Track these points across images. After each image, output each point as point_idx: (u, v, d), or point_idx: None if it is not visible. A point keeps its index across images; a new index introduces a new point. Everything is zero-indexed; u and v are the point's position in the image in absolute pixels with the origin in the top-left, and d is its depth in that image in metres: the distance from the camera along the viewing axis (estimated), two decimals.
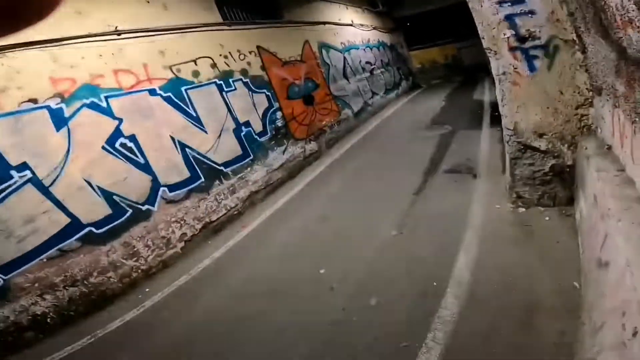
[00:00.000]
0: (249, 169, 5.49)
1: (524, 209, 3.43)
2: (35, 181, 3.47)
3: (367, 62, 11.24)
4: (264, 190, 5.64)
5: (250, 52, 6.24)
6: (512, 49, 2.94)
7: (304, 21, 8.24)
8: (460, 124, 7.16)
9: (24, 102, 3.54)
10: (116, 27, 4.40)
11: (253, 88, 5.97)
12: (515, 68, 2.98)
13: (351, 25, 11.03)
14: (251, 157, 5.57)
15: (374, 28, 13.02)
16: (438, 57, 18.87)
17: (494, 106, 6.67)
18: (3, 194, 3.30)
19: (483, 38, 3.05)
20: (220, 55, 5.59)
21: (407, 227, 3.83)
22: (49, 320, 3.49)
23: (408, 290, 2.84)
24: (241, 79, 5.79)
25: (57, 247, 3.57)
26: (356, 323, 2.66)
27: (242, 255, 4.23)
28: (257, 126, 5.86)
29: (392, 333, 2.47)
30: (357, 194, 5.14)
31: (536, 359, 1.99)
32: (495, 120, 6.10)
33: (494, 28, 2.95)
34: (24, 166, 3.42)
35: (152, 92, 4.49)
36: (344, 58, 9.75)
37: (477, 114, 7.61)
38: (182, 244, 4.49)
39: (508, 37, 2.92)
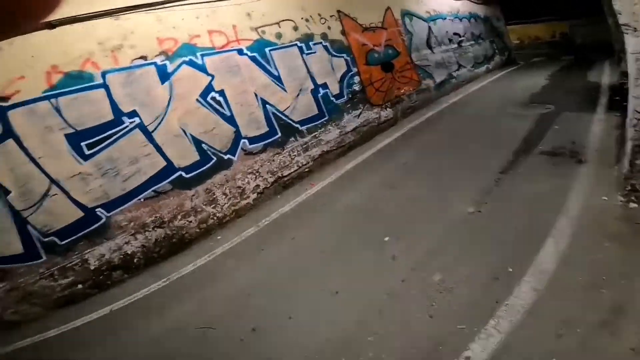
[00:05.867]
0: (323, 129, 5.27)
1: (637, 205, 2.63)
2: (142, 127, 3.77)
3: (454, 34, 9.78)
4: (335, 151, 5.37)
5: (330, 17, 5.85)
6: None
7: None
8: (566, 105, 5.70)
9: (136, 59, 3.84)
10: None
11: (332, 52, 5.63)
12: None
13: None
14: (326, 117, 5.32)
15: None
16: (542, 34, 16.03)
17: (614, 90, 5.61)
18: (116, 136, 3.65)
19: (619, 14, 2.67)
20: (302, 18, 5.36)
21: (487, 206, 3.21)
22: (135, 260, 3.70)
23: (477, 271, 2.40)
24: (321, 43, 5.49)
25: (153, 188, 3.81)
26: (413, 297, 2.33)
27: (308, 212, 4.05)
28: (334, 89, 5.54)
29: (450, 313, 2.12)
30: (432, 166, 4.44)
31: None
32: (615, 105, 4.91)
33: (635, 4, 2.53)
34: (133, 113, 3.73)
35: (240, 51, 4.52)
36: (429, 27, 8.61)
37: (591, 97, 5.96)
38: (255, 195, 4.51)
39: None
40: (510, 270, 2.33)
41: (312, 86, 5.19)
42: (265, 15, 4.92)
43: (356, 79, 6.02)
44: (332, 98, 5.47)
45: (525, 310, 2.02)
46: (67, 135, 3.39)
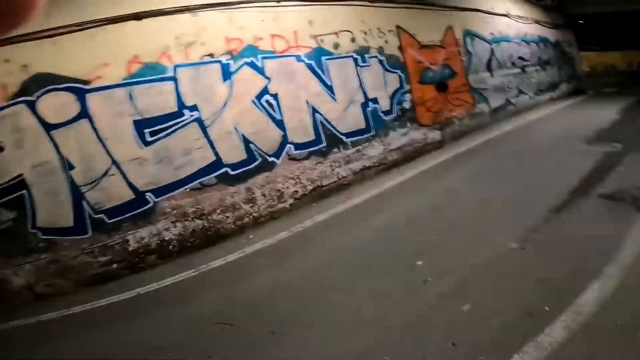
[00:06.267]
0: (367, 143, 5.29)
1: None
2: (199, 121, 4.04)
3: (519, 57, 9.40)
4: (377, 167, 5.37)
5: (389, 31, 5.90)
6: None
7: (450, 5, 7.42)
8: (637, 145, 5.20)
9: (205, 55, 4.15)
10: None
11: (387, 67, 5.68)
12: None
13: (505, 15, 9.44)
14: (372, 132, 5.35)
15: (536, 22, 10.90)
16: (618, 63, 15.04)
17: None
18: (175, 127, 3.95)
19: None
20: (360, 30, 5.47)
21: (532, 243, 3.09)
22: (171, 247, 3.91)
23: (511, 306, 2.36)
24: (376, 56, 5.55)
25: (200, 181, 4.05)
26: (439, 323, 2.32)
27: (342, 224, 4.06)
28: (384, 104, 5.55)
29: (474, 343, 2.12)
30: (477, 195, 4.28)
31: None
32: None
33: None
34: (194, 107, 4.02)
35: (298, 58, 4.72)
36: (491, 49, 8.38)
37: None
38: (292, 200, 4.62)
39: None
40: (547, 309, 2.28)
41: (362, 99, 5.25)
42: (326, 24, 5.08)
43: (408, 96, 6.05)
44: (380, 113, 5.48)
45: (553, 348, 1.98)
46: (134, 122, 3.75)
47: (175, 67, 3.98)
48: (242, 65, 4.34)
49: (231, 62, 4.29)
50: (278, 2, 4.74)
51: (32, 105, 3.44)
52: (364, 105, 5.29)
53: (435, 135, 6.39)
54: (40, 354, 2.69)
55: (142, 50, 3.88)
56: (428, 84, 6.38)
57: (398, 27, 6.11)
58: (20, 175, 3.50)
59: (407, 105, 5.97)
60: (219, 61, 4.22)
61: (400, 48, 6.04)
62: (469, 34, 7.80)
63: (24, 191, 3.51)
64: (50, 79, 3.50)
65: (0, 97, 3.36)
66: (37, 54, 3.51)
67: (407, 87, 6.00)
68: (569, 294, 2.39)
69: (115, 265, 3.81)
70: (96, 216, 3.70)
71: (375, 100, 5.43)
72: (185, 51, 4.08)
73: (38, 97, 3.45)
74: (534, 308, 2.31)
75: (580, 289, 2.41)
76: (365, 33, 5.53)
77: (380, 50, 5.67)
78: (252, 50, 4.45)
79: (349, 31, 5.33)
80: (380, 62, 5.60)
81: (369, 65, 5.41)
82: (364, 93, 5.31)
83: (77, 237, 3.68)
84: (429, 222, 3.81)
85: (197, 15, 4.23)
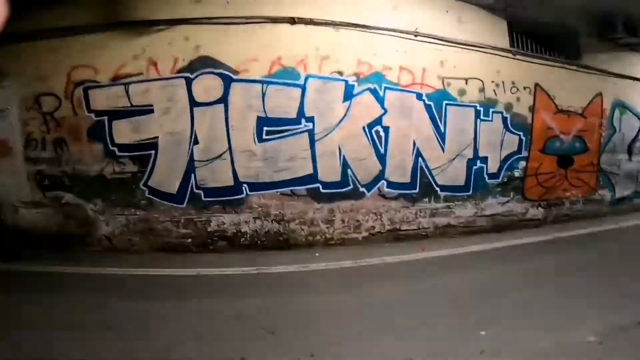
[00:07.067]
0: (460, 202, 5.10)
1: None
2: (311, 133, 4.34)
3: None
4: (461, 228, 5.12)
5: (524, 88, 5.48)
6: None
7: (603, 70, 6.67)
8: None
9: (334, 72, 4.41)
10: (416, 29, 4.80)
11: (509, 126, 5.31)
12: None
13: None
14: (469, 192, 5.12)
15: None
16: None
17: None
18: (289, 133, 4.31)
19: None
20: (492, 81, 5.18)
21: (613, 341, 2.65)
22: (243, 240, 4.29)
23: None
24: (501, 113, 5.23)
25: (292, 188, 4.37)
26: None
27: (409, 273, 4.00)
28: (493, 167, 5.25)
29: None
30: (566, 283, 3.73)
31: None
32: None
33: None
34: (311, 119, 4.33)
35: (419, 96, 4.71)
36: None
37: None
38: (366, 234, 4.70)
39: None
40: None
41: (471, 155, 5.05)
42: (456, 68, 4.95)
43: (522, 164, 5.59)
44: (485, 175, 5.23)
45: None
46: (258, 117, 4.22)
47: (307, 76, 4.32)
48: (364, 90, 4.51)
49: (356, 84, 4.49)
50: (415, 35, 4.89)
51: (189, 82, 4.13)
52: (471, 162, 5.10)
53: (537, 212, 5.93)
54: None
55: (286, 54, 4.29)
56: (550, 155, 5.87)
57: (537, 85, 5.71)
58: (156, 137, 4.29)
59: (517, 173, 5.65)
60: (346, 81, 4.45)
61: (532, 109, 5.60)
62: (620, 106, 6.93)
63: (152, 151, 4.31)
64: (211, 63, 4.11)
65: (170, 68, 4.14)
66: (209, 38, 4.13)
67: (524, 153, 5.65)
68: None
69: (189, 240, 4.33)
70: (196, 191, 4.26)
71: (484, 160, 5.24)
72: (319, 63, 4.38)
73: (196, 76, 4.13)
74: None
75: None
76: (497, 85, 5.32)
77: (508, 107, 5.43)
78: (378, 77, 4.58)
79: (479, 79, 5.17)
80: (504, 119, 5.36)
81: (490, 121, 5.22)
82: (475, 149, 5.10)
83: (173, 205, 4.29)
84: (501, 298, 3.66)
85: (339, 31, 4.49)
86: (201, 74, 4.13)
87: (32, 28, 4.16)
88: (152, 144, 4.23)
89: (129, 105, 4.18)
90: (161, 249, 4.38)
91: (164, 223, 4.36)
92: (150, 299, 3.28)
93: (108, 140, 4.22)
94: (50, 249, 4.36)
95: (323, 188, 4.49)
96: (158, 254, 4.32)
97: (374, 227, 4.78)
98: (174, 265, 3.94)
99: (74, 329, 2.63)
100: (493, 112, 5.25)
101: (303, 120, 4.35)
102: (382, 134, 4.62)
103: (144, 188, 4.31)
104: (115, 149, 4.23)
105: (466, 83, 5.11)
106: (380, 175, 4.68)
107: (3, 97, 4.24)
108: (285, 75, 4.28)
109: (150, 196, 4.31)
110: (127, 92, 4.15)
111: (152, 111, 4.16)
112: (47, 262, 3.97)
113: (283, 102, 4.28)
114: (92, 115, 4.23)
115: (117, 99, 4.19)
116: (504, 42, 5.54)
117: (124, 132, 4.21)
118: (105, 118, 4.21)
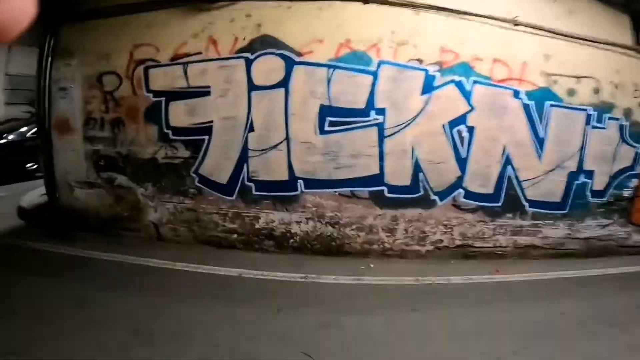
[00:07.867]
0: (551, 221, 4.23)
1: None
2: (381, 127, 3.76)
3: None
4: (547, 251, 4.23)
5: None
6: None
7: None
8: None
9: (412, 59, 3.79)
10: (516, 17, 4.14)
11: (627, 137, 4.32)
12: None
13: None
14: (564, 211, 4.20)
15: None
16: None
17: None
18: (355, 125, 3.78)
19: None
20: (610, 82, 4.19)
21: None
22: (291, 241, 3.94)
23: None
24: (618, 120, 4.21)
25: (352, 189, 3.87)
26: None
27: (479, 297, 3.40)
28: (599, 183, 4.26)
29: None
30: None
31: None
32: None
33: None
34: (382, 111, 3.75)
35: (516, 93, 3.90)
36: None
37: None
38: (432, 247, 4.04)
39: None
40: None
41: (574, 168, 4.14)
42: (565, 64, 4.06)
43: (634, 181, 4.64)
44: (588, 192, 4.27)
45: None
46: (321, 106, 3.73)
47: (380, 62, 3.75)
48: (448, 82, 3.82)
49: (437, 74, 3.83)
50: (515, 25, 4.07)
51: (249, 63, 3.75)
52: (572, 176, 4.17)
53: None
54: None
55: (356, 36, 3.77)
56: None
57: None
58: (211, 121, 3.97)
59: (627, 193, 4.55)
60: (426, 70, 3.80)
61: None
62: None
63: (206, 137, 4.00)
64: (273, 42, 3.70)
65: (229, 48, 3.79)
66: (272, 15, 3.75)
67: (638, 169, 4.61)
68: None
69: (235, 236, 4.06)
70: (247, 183, 3.92)
71: (589, 174, 4.26)
72: (395, 49, 3.80)
73: (256, 57, 3.75)
74: None
75: None
76: (616, 87, 4.28)
77: (628, 113, 4.37)
78: (465, 68, 3.86)
79: (594, 79, 4.19)
80: (621, 128, 4.31)
81: (603, 128, 4.22)
82: (581, 161, 4.19)
83: (222, 196, 4.00)
84: (592, 341, 2.91)
85: (419, 14, 3.86)
86: (262, 54, 3.74)
87: (96, 6, 4.11)
88: (206, 129, 3.93)
89: (186, 85, 3.91)
90: (206, 242, 4.16)
91: (210, 215, 4.10)
92: (184, 300, 3.13)
93: (163, 123, 4.02)
94: (98, 232, 4.33)
95: (388, 192, 3.89)
96: (202, 247, 4.13)
97: (441, 241, 4.08)
98: (218, 262, 3.75)
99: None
100: (608, 118, 4.26)
101: (372, 112, 3.79)
102: (465, 134, 3.88)
103: (194, 175, 4.07)
104: (170, 132, 4.02)
105: (578, 82, 4.18)
106: (458, 183, 3.95)
107: (68, 76, 4.22)
108: (354, 60, 3.75)
109: (200, 185, 4.07)
110: (185, 72, 3.92)
111: (208, 93, 3.85)
112: (101, 248, 3.97)
113: (350, 90, 3.75)
114: (151, 95, 4.06)
115: (175, 79, 3.98)
116: (626, 39, 4.52)
117: (179, 114, 3.98)
118: (163, 99, 4.02)
